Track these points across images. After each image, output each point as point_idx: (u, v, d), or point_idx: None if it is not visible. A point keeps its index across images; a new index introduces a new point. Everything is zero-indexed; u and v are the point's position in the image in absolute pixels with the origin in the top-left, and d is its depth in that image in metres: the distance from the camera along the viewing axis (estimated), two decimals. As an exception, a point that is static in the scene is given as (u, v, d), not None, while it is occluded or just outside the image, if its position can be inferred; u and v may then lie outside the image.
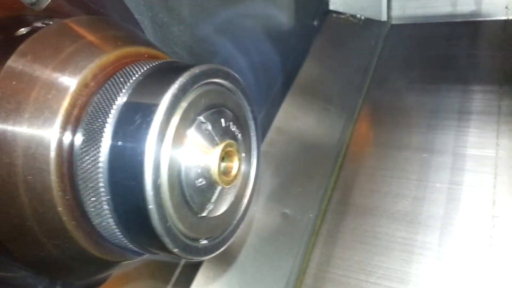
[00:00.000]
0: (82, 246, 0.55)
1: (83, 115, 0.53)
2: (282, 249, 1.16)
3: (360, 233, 1.17)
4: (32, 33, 0.56)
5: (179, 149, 0.51)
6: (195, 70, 0.53)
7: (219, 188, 0.57)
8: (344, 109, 1.50)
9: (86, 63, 0.54)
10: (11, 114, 0.51)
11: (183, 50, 0.81)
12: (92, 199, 0.52)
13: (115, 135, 0.50)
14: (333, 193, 1.29)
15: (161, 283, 1.05)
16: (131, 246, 0.55)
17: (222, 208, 0.59)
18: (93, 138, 0.51)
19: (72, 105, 0.52)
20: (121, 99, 0.52)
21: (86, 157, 0.51)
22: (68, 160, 0.52)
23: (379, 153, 1.35)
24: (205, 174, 0.54)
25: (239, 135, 0.61)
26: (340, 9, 1.72)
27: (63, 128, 0.52)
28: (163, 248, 0.52)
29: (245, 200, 0.65)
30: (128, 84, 0.53)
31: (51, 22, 0.58)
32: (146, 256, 0.64)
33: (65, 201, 0.52)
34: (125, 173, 0.49)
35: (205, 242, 0.58)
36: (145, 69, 0.55)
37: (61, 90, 0.52)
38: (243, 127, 0.62)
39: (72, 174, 0.53)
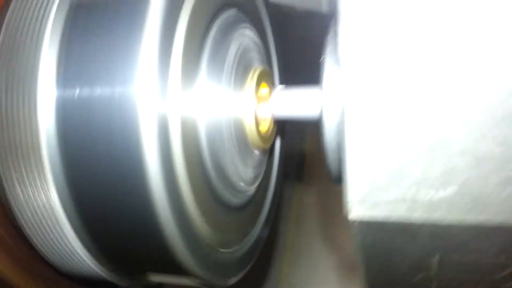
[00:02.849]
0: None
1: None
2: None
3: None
4: None
5: (195, 91, 0.30)
6: None
7: (255, 153, 0.37)
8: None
9: None
10: None
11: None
12: (26, 188, 0.29)
13: (66, 76, 0.28)
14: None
15: None
16: (97, 271, 0.32)
17: (252, 190, 0.39)
18: (19, 88, 0.29)
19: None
20: (60, 4, 0.29)
21: (11, 122, 0.28)
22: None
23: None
24: (237, 130, 0.33)
25: (262, 50, 0.40)
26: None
27: None
28: (170, 264, 0.30)
29: (274, 174, 0.45)
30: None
31: None
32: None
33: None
34: (99, 143, 0.27)
35: (227, 250, 0.36)
36: None
37: None
38: (262, 36, 0.41)
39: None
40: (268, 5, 0.43)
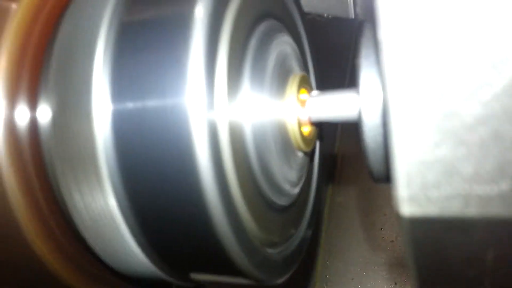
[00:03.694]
0: (55, 275, 0.34)
1: (43, 71, 0.32)
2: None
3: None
4: None
5: (239, 98, 0.31)
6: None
7: (298, 155, 0.38)
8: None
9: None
10: None
11: None
12: (84, 196, 0.31)
13: (119, 91, 0.30)
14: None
15: None
16: (153, 270, 0.34)
17: (295, 191, 0.40)
18: (74, 103, 0.31)
19: (16, 60, 0.31)
20: (111, 23, 0.31)
21: (67, 135, 0.30)
22: (32, 143, 0.31)
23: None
24: (282, 134, 0.34)
25: (300, 57, 0.41)
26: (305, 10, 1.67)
27: (10, 98, 0.31)
28: (225, 263, 0.31)
29: (315, 176, 0.45)
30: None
31: None
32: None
33: (29, 205, 0.31)
34: (154, 150, 0.28)
35: (275, 251, 0.37)
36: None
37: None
38: (298, 42, 0.42)
39: (42, 162, 0.32)
40: (302, 14, 0.44)
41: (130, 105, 0.29)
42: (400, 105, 0.20)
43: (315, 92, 0.36)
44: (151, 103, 0.28)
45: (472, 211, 0.21)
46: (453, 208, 0.21)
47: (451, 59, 0.19)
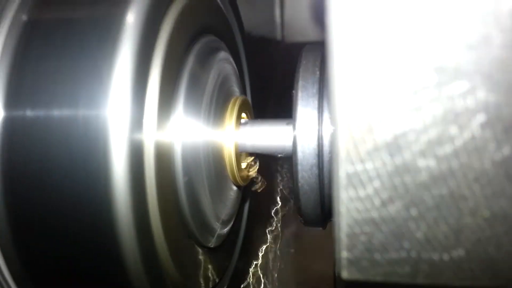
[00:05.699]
0: None
1: None
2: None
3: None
4: None
5: (172, 118, 0.28)
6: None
7: (232, 190, 0.34)
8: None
9: None
10: None
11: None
12: None
13: (16, 96, 0.25)
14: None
15: None
16: None
17: (224, 231, 0.36)
18: None
19: None
20: (15, 19, 0.26)
21: None
22: None
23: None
24: (217, 163, 0.31)
25: (239, 78, 0.38)
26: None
27: None
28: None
29: (245, 216, 0.42)
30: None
31: None
32: None
33: None
34: (54, 169, 0.24)
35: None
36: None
37: None
38: (236, 60, 0.40)
39: None
40: (242, 30, 0.41)
41: (28, 112, 0.24)
42: (349, 150, 0.17)
43: (245, 120, 0.33)
44: (58, 112, 0.24)
45: (419, 280, 0.19)
46: (399, 275, 0.19)
47: (410, 103, 0.17)
